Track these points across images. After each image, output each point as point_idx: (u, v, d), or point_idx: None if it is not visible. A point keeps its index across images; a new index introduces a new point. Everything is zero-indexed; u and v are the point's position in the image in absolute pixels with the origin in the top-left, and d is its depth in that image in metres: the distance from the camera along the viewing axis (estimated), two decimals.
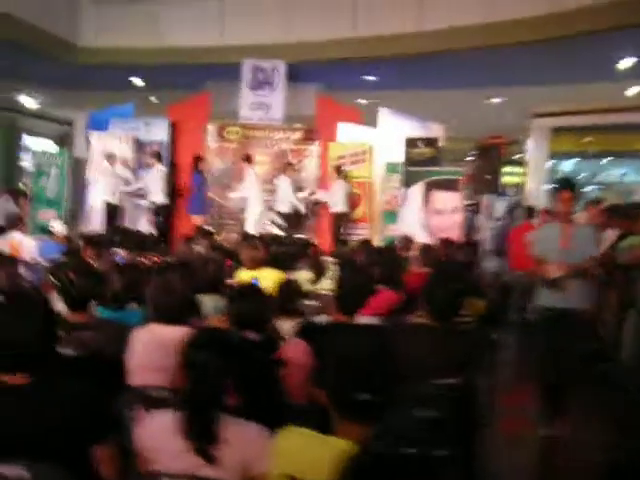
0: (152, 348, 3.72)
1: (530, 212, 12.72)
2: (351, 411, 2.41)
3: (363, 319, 4.59)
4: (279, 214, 14.45)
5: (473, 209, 16.09)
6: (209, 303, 5.03)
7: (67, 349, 3.90)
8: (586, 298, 6.11)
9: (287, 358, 3.63)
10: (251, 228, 13.53)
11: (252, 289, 4.16)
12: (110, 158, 14.56)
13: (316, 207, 14.70)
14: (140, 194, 14.80)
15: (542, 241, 6.28)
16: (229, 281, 6.78)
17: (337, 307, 4.36)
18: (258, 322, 3.81)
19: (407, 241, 10.10)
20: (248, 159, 14.25)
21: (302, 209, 14.46)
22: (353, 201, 14.26)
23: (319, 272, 7.57)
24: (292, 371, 3.63)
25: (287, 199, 14.21)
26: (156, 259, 7.66)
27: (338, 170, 13.99)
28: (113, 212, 14.47)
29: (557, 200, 6.18)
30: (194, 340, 2.79)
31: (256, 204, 14.06)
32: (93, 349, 3.92)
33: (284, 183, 14.29)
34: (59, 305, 4.26)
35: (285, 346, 3.78)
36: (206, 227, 13.03)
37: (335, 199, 13.91)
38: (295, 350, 3.79)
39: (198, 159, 14.79)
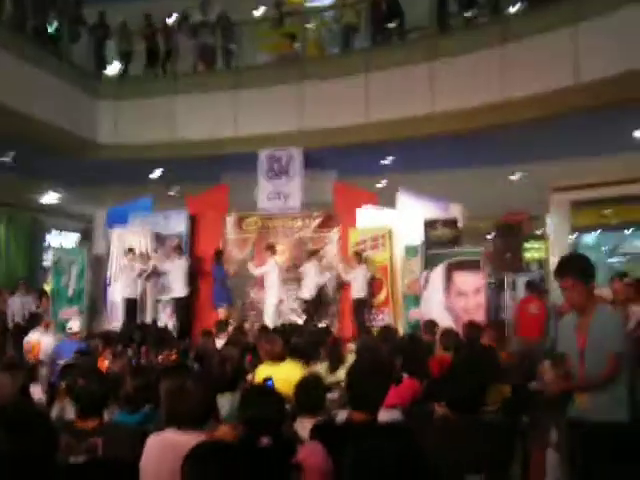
0: (167, 457, 3.57)
1: (531, 286, 13.18)
2: None
3: (383, 413, 4.40)
4: (302, 301, 14.33)
5: (496, 288, 15.89)
6: (226, 403, 4.91)
7: (78, 457, 3.81)
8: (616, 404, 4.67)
9: (303, 463, 3.46)
10: (270, 318, 13.45)
11: (264, 391, 4.03)
12: (129, 252, 14.53)
13: (339, 293, 14.54)
14: (161, 287, 14.77)
15: (561, 339, 5.19)
16: (249, 377, 6.67)
17: (352, 403, 4.15)
18: (271, 426, 3.65)
19: (431, 325, 9.93)
20: (271, 249, 14.23)
21: (330, 292, 14.35)
22: (375, 286, 14.11)
23: (337, 361, 7.42)
24: (309, 477, 3.46)
25: (314, 284, 14.04)
26: (174, 356, 7.54)
27: (358, 256, 13.87)
28: (133, 308, 14.37)
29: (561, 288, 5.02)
30: (193, 454, 2.66)
31: (274, 295, 13.97)
32: (103, 455, 3.86)
33: (311, 270, 14.16)
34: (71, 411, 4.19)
35: (301, 450, 3.61)
36: (227, 319, 12.94)
37: (356, 285, 13.75)
38: (311, 454, 3.60)
39: (218, 252, 14.78)
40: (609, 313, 4.96)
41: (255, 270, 14.39)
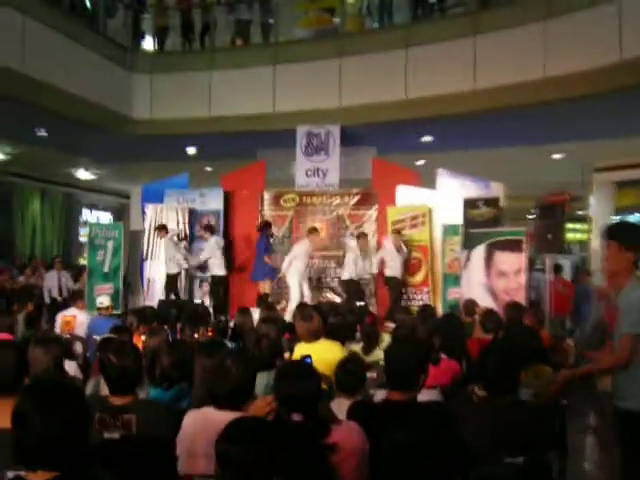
0: (205, 434, 3.55)
1: (556, 268, 14.18)
2: None
3: (423, 393, 4.35)
4: (340, 281, 14.32)
5: (538, 269, 15.75)
6: (261, 381, 4.87)
7: (112, 433, 3.82)
8: None
9: (338, 443, 3.42)
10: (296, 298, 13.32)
11: (300, 367, 3.98)
12: (162, 230, 14.57)
13: (378, 273, 14.48)
14: (202, 266, 14.82)
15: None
16: (286, 355, 6.63)
17: (391, 383, 4.12)
18: (306, 404, 3.60)
19: (471, 305, 9.85)
20: (314, 231, 13.99)
21: (368, 275, 14.26)
22: (413, 266, 14.07)
23: (373, 341, 7.36)
24: (344, 457, 3.42)
25: (355, 264, 13.91)
26: (210, 334, 7.53)
27: (397, 234, 13.82)
28: (170, 285, 14.43)
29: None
30: (226, 434, 2.63)
31: (296, 286, 13.60)
32: (137, 432, 3.86)
33: (352, 249, 14.07)
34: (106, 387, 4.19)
35: (337, 429, 3.56)
36: (268, 295, 12.93)
37: (394, 264, 13.71)
38: (347, 434, 3.56)
39: (265, 223, 14.73)
40: (633, 290, 4.46)
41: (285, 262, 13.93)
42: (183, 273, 14.79)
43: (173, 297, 13.98)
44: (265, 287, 14.23)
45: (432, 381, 4.81)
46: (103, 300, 10.25)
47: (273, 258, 14.45)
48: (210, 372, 4.00)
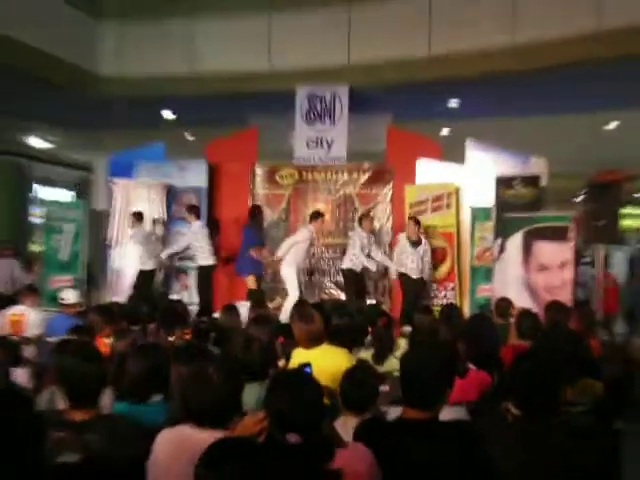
0: (182, 457, 3.58)
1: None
2: None
3: (445, 411, 4.35)
4: (344, 273, 14.16)
5: (586, 262, 15.76)
6: (250, 394, 4.88)
7: (70, 455, 3.81)
8: None
9: (343, 469, 3.43)
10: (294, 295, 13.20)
11: (298, 378, 3.97)
12: (137, 219, 14.49)
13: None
14: (182, 255, 14.78)
15: None
16: (281, 363, 6.64)
17: (407, 399, 4.09)
18: (305, 422, 3.60)
19: (505, 305, 9.87)
20: (318, 216, 13.62)
21: (373, 268, 14.11)
22: (434, 256, 14.01)
23: (385, 348, 7.38)
24: None
25: (358, 258, 13.66)
26: (189, 336, 7.56)
27: (413, 222, 13.60)
28: (143, 284, 14.36)
29: None
30: (207, 457, 2.64)
31: (293, 282, 13.35)
32: (99, 454, 3.83)
33: (359, 239, 13.69)
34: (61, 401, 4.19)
35: (341, 453, 3.57)
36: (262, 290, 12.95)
37: (413, 265, 13.42)
38: (353, 458, 3.55)
39: (256, 209, 14.78)
40: None
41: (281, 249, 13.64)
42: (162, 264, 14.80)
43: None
44: (250, 283, 14.10)
45: (457, 396, 4.81)
46: (68, 295, 10.24)
47: (264, 250, 14.30)
48: (188, 383, 3.99)
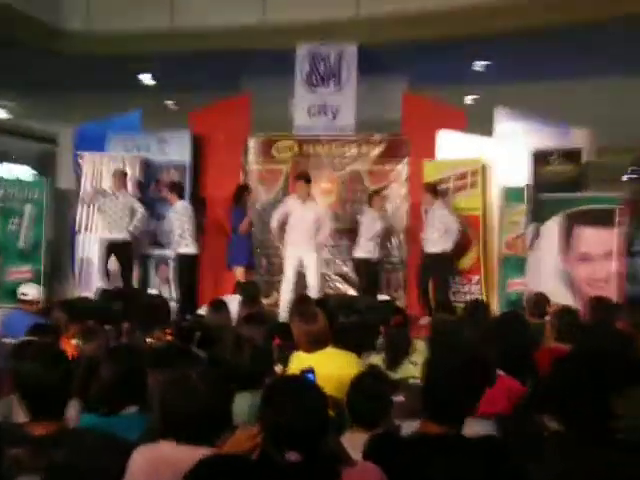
0: (161, 478, 3.58)
1: None
2: None
3: (470, 424, 4.34)
4: (355, 263, 14.21)
5: (637, 252, 15.77)
6: (242, 404, 4.88)
7: (31, 475, 3.81)
8: None
9: None
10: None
11: (298, 386, 3.96)
12: (124, 178, 14.42)
13: (407, 252, 14.44)
14: (159, 242, 14.73)
15: None
16: (277, 369, 6.63)
17: (429, 411, 4.08)
18: (306, 437, 3.59)
19: (540, 301, 9.87)
20: (304, 177, 13.33)
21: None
22: (460, 243, 13.93)
23: (400, 351, 7.36)
24: None
25: (375, 240, 13.80)
26: (169, 337, 7.56)
27: (436, 192, 13.65)
28: (114, 255, 14.26)
29: None
30: (192, 477, 2.63)
31: (291, 268, 13.21)
32: (64, 473, 3.82)
33: (370, 221, 13.82)
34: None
35: (348, 473, 3.57)
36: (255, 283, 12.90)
37: (431, 235, 13.53)
38: (362, 479, 3.58)
39: (243, 189, 14.69)
40: None
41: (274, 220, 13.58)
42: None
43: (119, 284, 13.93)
44: (237, 274, 14.06)
45: (484, 407, 4.79)
46: (27, 290, 10.26)
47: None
48: (168, 391, 3.96)
